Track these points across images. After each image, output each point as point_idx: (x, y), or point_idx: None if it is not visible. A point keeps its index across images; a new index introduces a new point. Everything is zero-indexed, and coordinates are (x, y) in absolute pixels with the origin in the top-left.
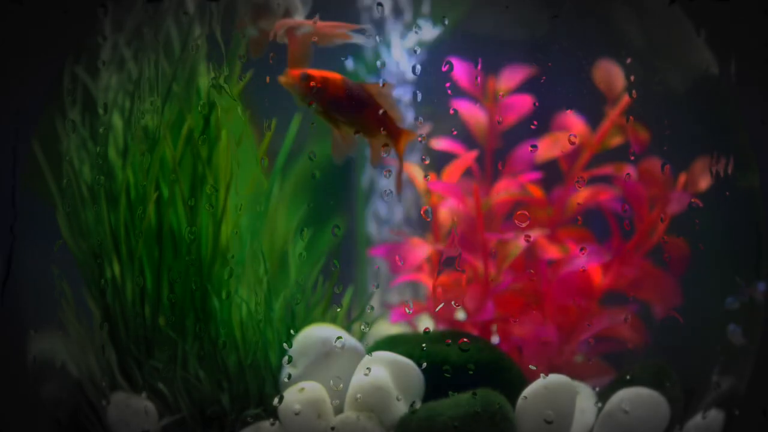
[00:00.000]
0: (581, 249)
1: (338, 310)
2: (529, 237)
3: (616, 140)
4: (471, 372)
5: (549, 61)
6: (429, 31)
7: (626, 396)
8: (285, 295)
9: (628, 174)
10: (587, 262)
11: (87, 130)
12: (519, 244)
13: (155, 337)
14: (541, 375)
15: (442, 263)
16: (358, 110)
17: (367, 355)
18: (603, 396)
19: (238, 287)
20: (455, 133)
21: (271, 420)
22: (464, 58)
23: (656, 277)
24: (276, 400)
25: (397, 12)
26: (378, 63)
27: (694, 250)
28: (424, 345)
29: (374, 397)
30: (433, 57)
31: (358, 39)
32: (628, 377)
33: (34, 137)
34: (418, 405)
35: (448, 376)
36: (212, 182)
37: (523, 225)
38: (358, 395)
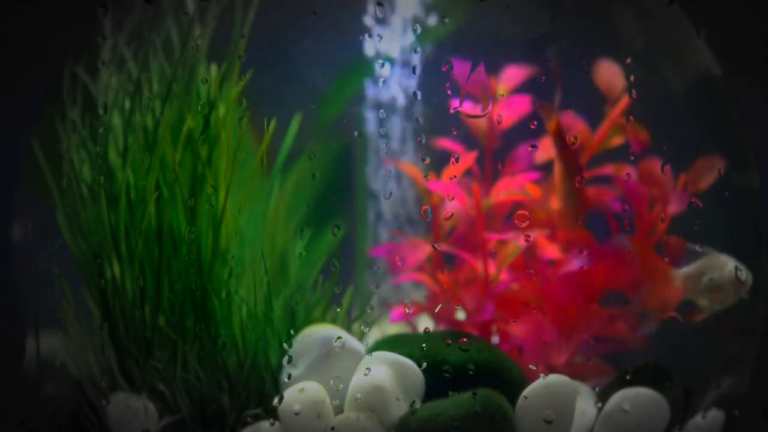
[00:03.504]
0: (581, 249)
1: (338, 310)
2: (529, 237)
3: (616, 140)
4: (471, 372)
5: (548, 61)
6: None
7: (626, 396)
8: (285, 295)
9: (628, 174)
10: (587, 263)
11: (87, 130)
12: (519, 244)
13: (155, 337)
14: (541, 375)
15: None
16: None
17: (367, 355)
18: (603, 396)
19: (238, 287)
20: (455, 133)
21: (271, 420)
22: (464, 58)
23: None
24: (276, 400)
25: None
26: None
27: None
28: (424, 345)
29: (374, 397)
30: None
31: None
32: (628, 377)
33: (34, 137)
34: (418, 405)
35: (448, 376)
36: (212, 182)
37: (523, 225)
38: (358, 395)
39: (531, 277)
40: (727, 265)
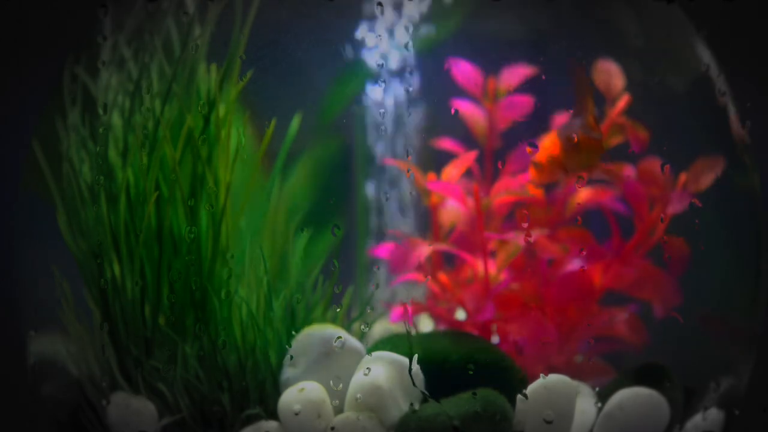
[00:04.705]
0: (581, 249)
1: (338, 310)
2: (530, 237)
3: (616, 140)
4: (471, 372)
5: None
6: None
7: (626, 396)
8: (285, 295)
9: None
10: (587, 263)
11: (87, 130)
12: (519, 244)
13: (155, 337)
14: (541, 375)
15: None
16: None
17: (367, 355)
18: (603, 396)
19: (238, 287)
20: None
21: (272, 420)
22: (464, 58)
23: (656, 277)
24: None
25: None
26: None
27: (695, 250)
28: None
29: (374, 397)
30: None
31: None
32: (627, 377)
33: (34, 137)
34: (417, 405)
35: (448, 376)
36: (212, 182)
37: (524, 225)
38: (358, 395)
39: (531, 277)
40: None
